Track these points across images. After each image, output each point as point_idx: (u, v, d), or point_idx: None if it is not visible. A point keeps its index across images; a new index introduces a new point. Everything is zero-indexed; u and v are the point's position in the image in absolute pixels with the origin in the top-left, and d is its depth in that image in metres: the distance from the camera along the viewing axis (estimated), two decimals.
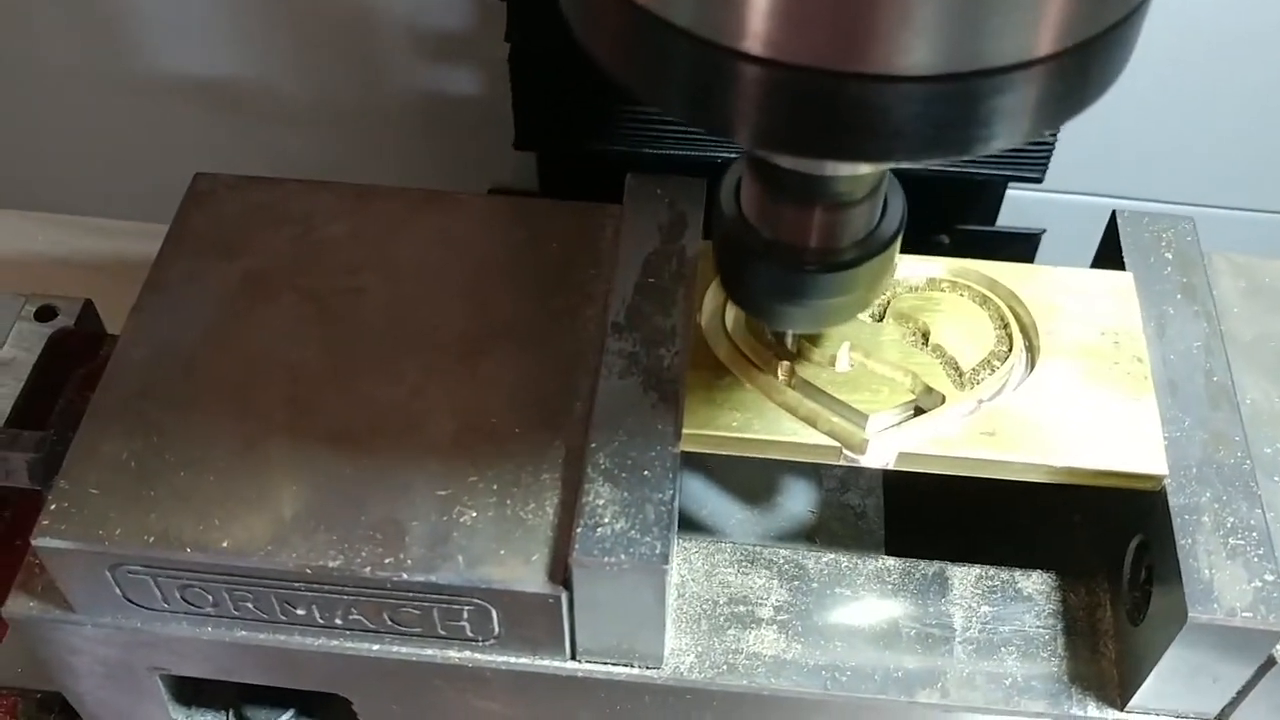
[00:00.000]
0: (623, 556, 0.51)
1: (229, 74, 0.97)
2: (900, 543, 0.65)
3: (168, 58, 0.97)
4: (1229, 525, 0.53)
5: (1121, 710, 0.56)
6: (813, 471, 0.67)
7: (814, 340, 0.57)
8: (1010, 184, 0.83)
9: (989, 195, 0.82)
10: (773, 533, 0.65)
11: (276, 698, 0.65)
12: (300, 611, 0.56)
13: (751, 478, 0.67)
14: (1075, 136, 0.81)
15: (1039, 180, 0.80)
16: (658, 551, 0.52)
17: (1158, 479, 0.54)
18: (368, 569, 0.53)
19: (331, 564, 0.53)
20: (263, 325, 0.61)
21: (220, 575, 0.54)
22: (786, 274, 0.50)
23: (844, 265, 0.49)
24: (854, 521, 0.65)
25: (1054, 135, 0.78)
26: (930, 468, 0.55)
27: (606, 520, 0.52)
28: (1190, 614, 0.50)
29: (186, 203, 0.66)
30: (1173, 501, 0.53)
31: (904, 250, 0.54)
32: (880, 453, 0.54)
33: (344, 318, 0.61)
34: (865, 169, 0.47)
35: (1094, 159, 0.90)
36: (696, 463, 0.67)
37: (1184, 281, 0.61)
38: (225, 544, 0.54)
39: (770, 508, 0.66)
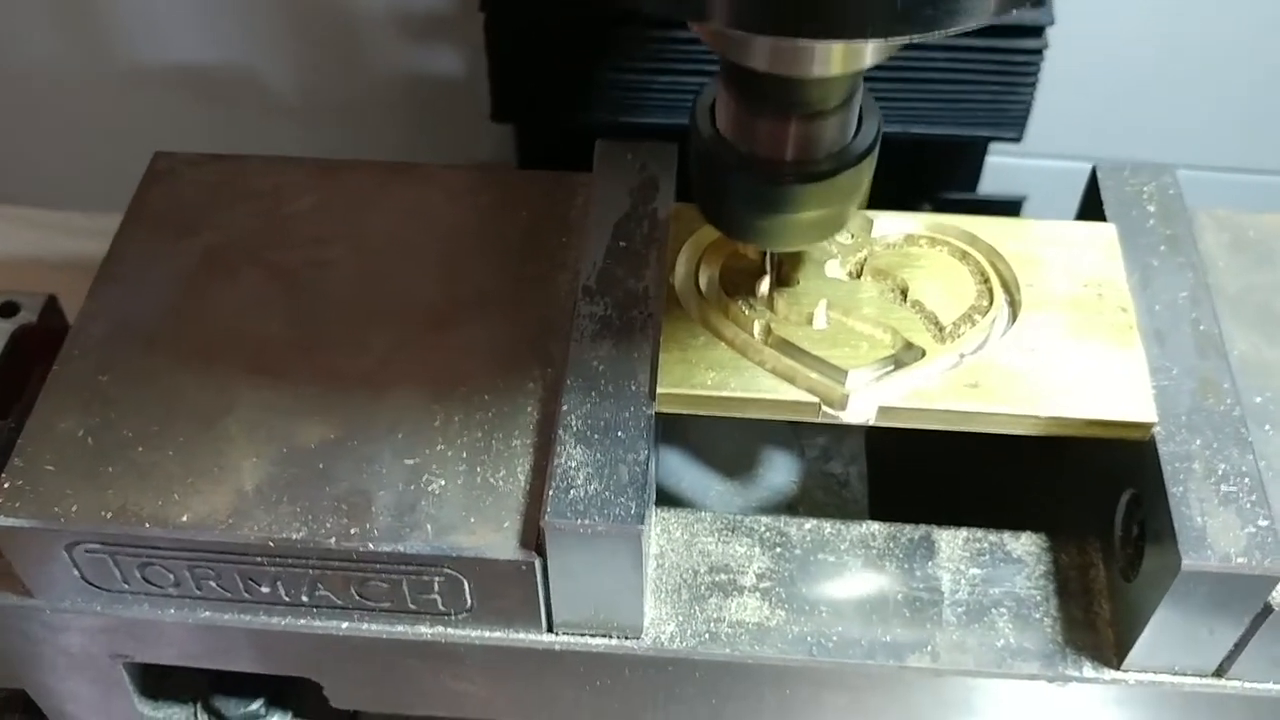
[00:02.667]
0: (596, 518, 0.50)
1: (204, 61, 0.96)
2: (885, 511, 0.63)
3: (142, 46, 0.95)
4: (1220, 472, 0.51)
5: (1118, 669, 0.55)
6: (794, 441, 0.66)
7: (790, 299, 0.56)
8: (991, 145, 0.82)
9: (970, 159, 0.81)
10: (754, 504, 0.64)
11: (246, 687, 0.63)
12: (265, 589, 0.54)
13: (731, 450, 0.65)
14: (1055, 99, 0.81)
15: (1018, 139, 0.79)
16: (632, 512, 0.50)
17: (1147, 427, 0.52)
18: (332, 540, 0.51)
19: (295, 535, 0.51)
20: (226, 300, 0.59)
21: (180, 551, 0.52)
22: (764, 187, 0.49)
23: (821, 176, 0.48)
24: (837, 490, 0.64)
25: (1031, 91, 0.77)
26: (912, 422, 0.53)
27: (579, 482, 0.51)
28: (1184, 562, 0.49)
29: (146, 181, 0.65)
30: (1163, 450, 0.52)
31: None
32: (860, 408, 0.53)
33: (310, 291, 0.60)
34: (837, 66, 0.45)
35: (1074, 122, 0.89)
36: (675, 436, 0.66)
37: (1167, 233, 0.60)
38: (185, 518, 0.52)
39: (751, 479, 0.64)
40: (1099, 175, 0.62)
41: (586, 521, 0.50)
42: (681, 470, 0.64)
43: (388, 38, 0.92)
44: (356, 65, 0.96)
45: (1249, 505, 0.50)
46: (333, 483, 0.53)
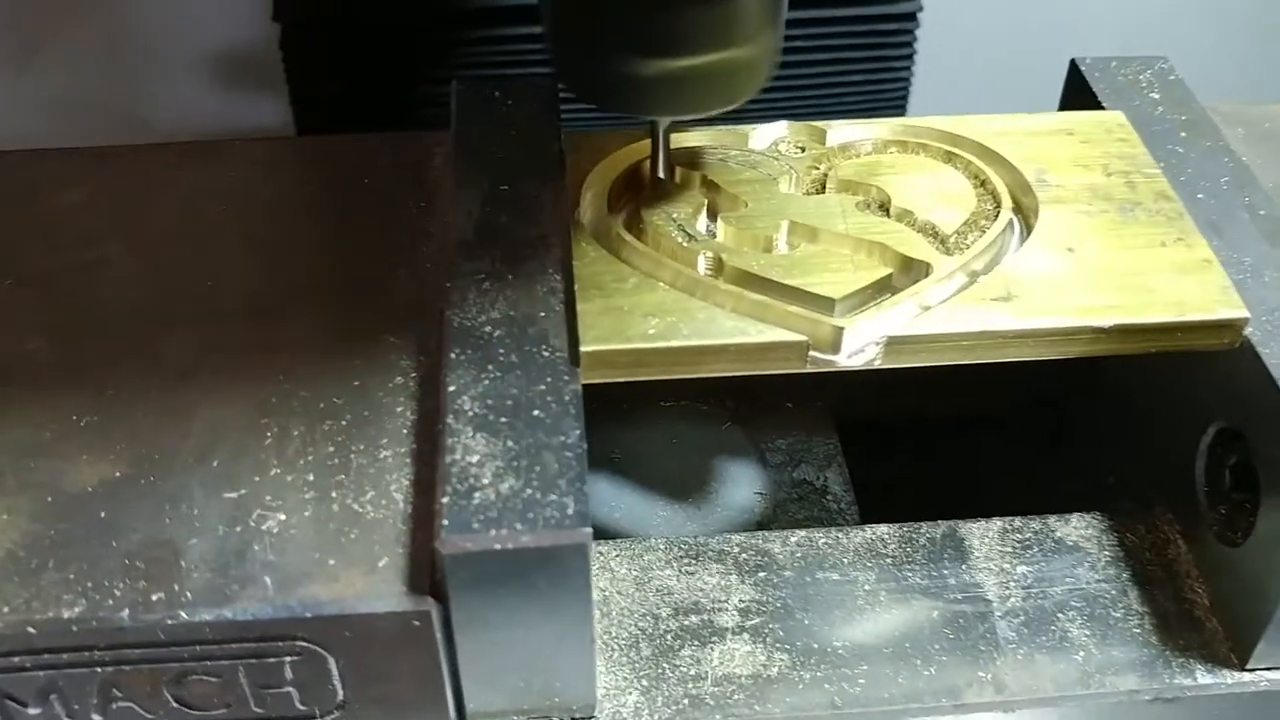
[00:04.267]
0: (519, 526, 0.34)
1: None
2: (879, 520, 0.48)
3: None
4: None
5: (1242, 669, 0.40)
6: (749, 446, 0.51)
7: (740, 224, 0.42)
8: None
9: None
10: (713, 529, 0.48)
11: None
12: (34, 710, 0.36)
13: (674, 464, 0.50)
14: (938, 77, 0.74)
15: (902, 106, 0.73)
16: (570, 512, 0.34)
17: (1238, 327, 0.39)
18: (126, 612, 0.34)
19: (69, 612, 0.34)
20: None
21: None
22: (646, 24, 0.36)
23: None
24: (817, 499, 0.49)
25: (908, 67, 0.71)
26: (933, 357, 0.39)
27: (486, 481, 0.35)
28: None
29: None
30: (1265, 353, 0.39)
31: None
32: (860, 344, 0.39)
33: (80, 299, 0.43)
34: None
35: (962, 104, 0.80)
36: (599, 456, 0.50)
37: (1184, 119, 0.48)
38: None
39: (705, 498, 0.49)
40: (1083, 68, 0.50)
41: (504, 533, 0.34)
42: (614, 498, 0.49)
43: (193, 90, 0.79)
44: (159, 120, 0.82)
45: None
46: (121, 534, 0.36)
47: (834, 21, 0.68)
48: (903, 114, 0.73)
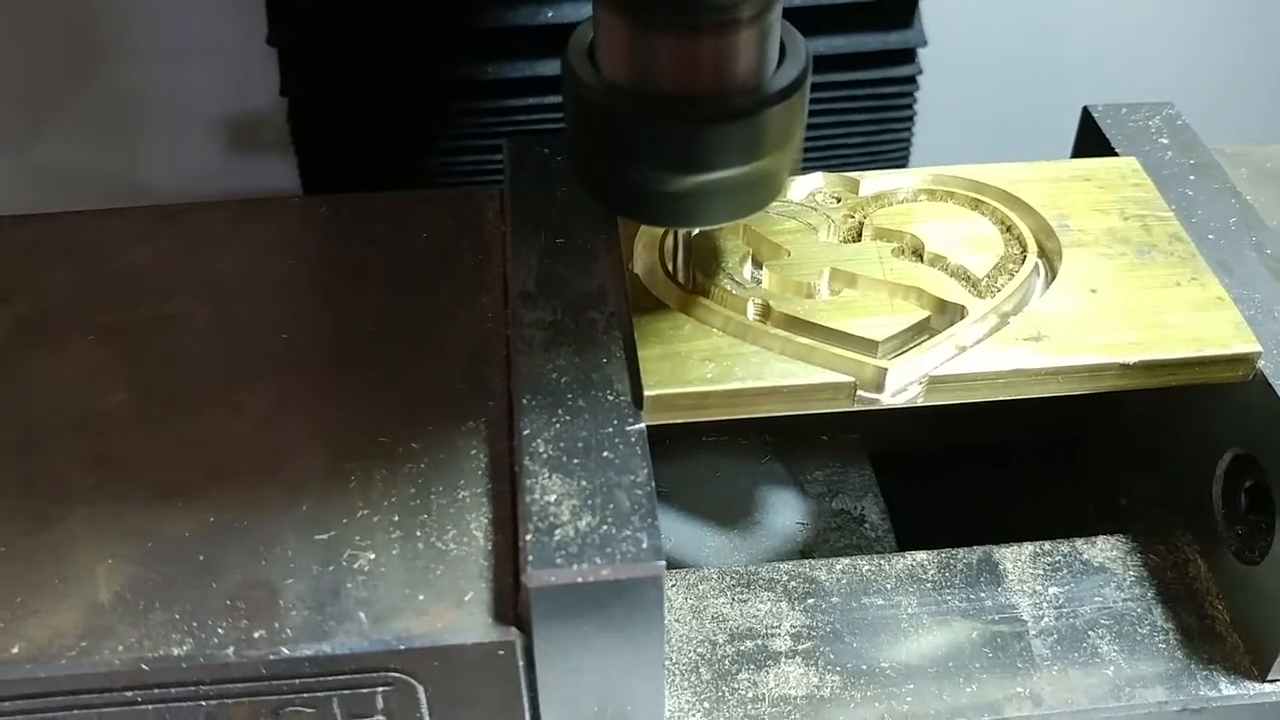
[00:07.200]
0: (598, 559, 0.36)
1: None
2: (915, 546, 0.51)
3: None
4: None
5: (1263, 680, 0.43)
6: (788, 477, 0.53)
7: (783, 272, 0.44)
8: None
9: None
10: (760, 557, 0.51)
11: None
12: None
13: (719, 497, 0.52)
14: (938, 131, 0.78)
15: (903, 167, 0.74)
16: (645, 546, 0.37)
17: (1251, 360, 0.42)
18: (230, 649, 0.37)
19: (178, 650, 0.37)
20: (48, 374, 0.45)
21: (15, 699, 0.37)
22: (673, 142, 0.38)
23: (744, 111, 0.37)
24: (855, 528, 0.51)
25: (909, 126, 0.74)
26: (970, 394, 0.42)
27: (565, 519, 0.37)
28: None
29: None
30: (1277, 383, 0.41)
31: None
32: (903, 383, 0.41)
33: (157, 352, 0.46)
34: None
35: (952, 145, 0.83)
36: None
37: (1192, 163, 0.51)
38: (16, 649, 0.37)
39: (749, 527, 0.52)
40: (1096, 115, 0.53)
41: (585, 566, 0.36)
42: (665, 530, 0.51)
43: (199, 159, 0.82)
44: (166, 188, 0.84)
45: None
46: (220, 577, 0.38)
47: (837, 86, 0.71)
48: (906, 162, 0.76)
